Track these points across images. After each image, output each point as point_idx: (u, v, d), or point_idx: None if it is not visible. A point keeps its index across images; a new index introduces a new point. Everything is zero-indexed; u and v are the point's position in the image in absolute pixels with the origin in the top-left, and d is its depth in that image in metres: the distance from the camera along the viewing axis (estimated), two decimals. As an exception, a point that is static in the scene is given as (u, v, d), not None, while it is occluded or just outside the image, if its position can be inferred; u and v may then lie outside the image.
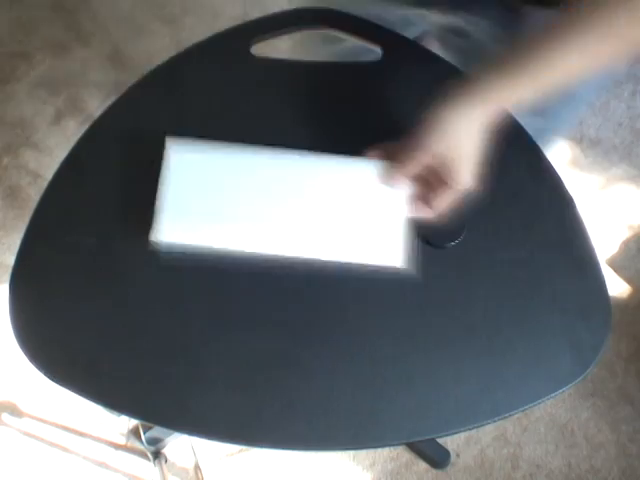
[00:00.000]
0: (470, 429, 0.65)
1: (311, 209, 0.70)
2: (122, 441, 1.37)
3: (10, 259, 0.69)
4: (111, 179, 0.73)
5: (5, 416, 1.38)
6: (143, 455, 1.35)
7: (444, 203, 0.66)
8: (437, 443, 1.39)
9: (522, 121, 0.77)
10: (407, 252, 0.69)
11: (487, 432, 1.41)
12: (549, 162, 0.76)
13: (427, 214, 0.67)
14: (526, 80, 0.61)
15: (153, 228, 0.67)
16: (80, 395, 0.64)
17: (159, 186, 0.68)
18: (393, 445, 1.30)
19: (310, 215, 0.70)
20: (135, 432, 1.34)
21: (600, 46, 0.59)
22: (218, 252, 0.67)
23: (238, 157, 0.71)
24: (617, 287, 1.54)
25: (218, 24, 0.84)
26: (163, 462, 1.33)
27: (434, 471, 1.38)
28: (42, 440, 1.36)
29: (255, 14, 0.83)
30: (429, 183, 0.66)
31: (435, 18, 0.83)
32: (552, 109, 0.82)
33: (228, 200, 0.69)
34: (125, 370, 0.65)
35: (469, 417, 0.65)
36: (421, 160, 0.65)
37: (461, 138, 0.63)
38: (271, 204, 0.70)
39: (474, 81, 0.63)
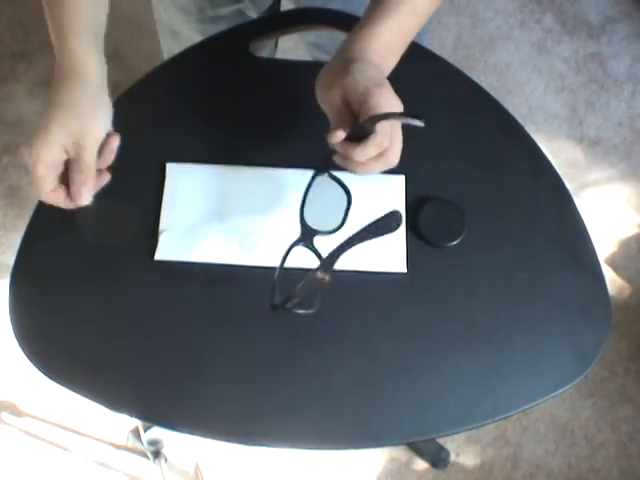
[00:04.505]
0: (470, 429, 0.65)
1: (311, 221, 0.71)
2: (122, 441, 1.37)
3: (10, 259, 0.69)
4: (111, 179, 0.73)
5: (5, 416, 1.38)
6: (143, 455, 1.35)
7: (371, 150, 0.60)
8: (437, 443, 1.39)
9: None
10: (409, 257, 0.70)
11: (487, 432, 1.41)
12: (548, 161, 0.76)
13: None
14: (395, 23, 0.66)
15: (157, 249, 0.69)
16: (80, 394, 0.64)
17: (161, 208, 0.70)
18: (393, 445, 1.30)
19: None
20: (135, 432, 1.34)
21: None
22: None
23: (236, 175, 0.72)
24: (617, 287, 1.54)
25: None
26: (163, 462, 1.33)
27: (434, 471, 1.38)
28: (42, 440, 1.36)
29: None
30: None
31: None
32: None
33: (230, 217, 0.70)
34: (125, 369, 0.65)
35: (469, 417, 0.65)
36: (334, 98, 0.63)
37: (358, 70, 0.62)
38: (269, 218, 0.71)
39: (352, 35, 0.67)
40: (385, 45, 0.66)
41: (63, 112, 0.62)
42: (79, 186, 0.62)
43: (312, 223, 0.66)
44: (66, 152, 0.62)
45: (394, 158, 0.62)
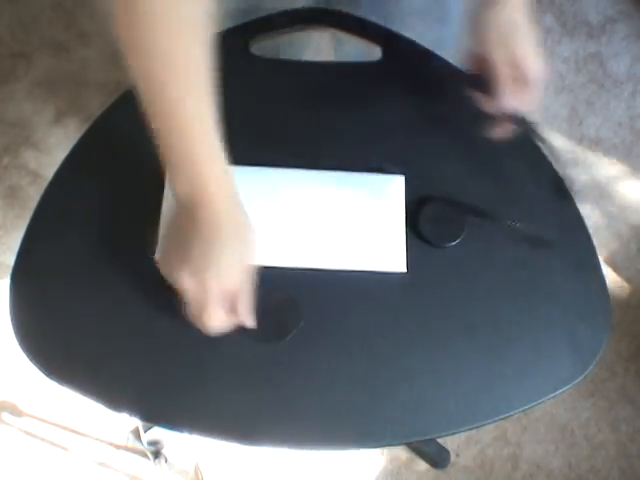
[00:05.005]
0: (470, 429, 0.65)
1: (311, 221, 0.71)
2: (122, 441, 1.37)
3: (10, 259, 0.69)
4: (111, 179, 0.73)
5: (5, 416, 1.38)
6: (143, 455, 1.35)
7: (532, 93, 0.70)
8: (437, 443, 1.39)
9: (422, 33, 0.81)
10: (409, 257, 0.70)
11: (487, 432, 1.41)
12: (549, 162, 0.76)
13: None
14: None
15: (157, 248, 0.69)
16: (80, 394, 0.64)
17: (161, 208, 0.70)
18: (393, 445, 1.30)
19: (310, 226, 0.71)
20: (135, 432, 1.34)
21: None
22: None
23: (236, 175, 0.72)
24: (617, 287, 1.54)
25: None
26: (163, 462, 1.33)
27: (434, 471, 1.38)
28: (42, 440, 1.36)
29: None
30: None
31: None
32: (448, 14, 0.86)
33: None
34: (125, 369, 0.65)
35: (469, 417, 0.65)
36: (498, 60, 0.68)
37: (508, 21, 0.68)
38: (270, 218, 0.71)
39: None
40: None
41: (232, 250, 0.59)
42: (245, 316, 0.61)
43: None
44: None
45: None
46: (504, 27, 0.68)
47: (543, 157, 0.76)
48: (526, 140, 0.77)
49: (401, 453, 1.39)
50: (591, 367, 0.66)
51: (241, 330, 0.62)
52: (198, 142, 0.56)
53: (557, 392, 0.66)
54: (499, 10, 0.68)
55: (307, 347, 0.66)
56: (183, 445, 1.36)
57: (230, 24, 0.83)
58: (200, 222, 0.58)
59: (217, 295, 0.58)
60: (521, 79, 0.69)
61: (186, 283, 0.58)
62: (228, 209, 0.59)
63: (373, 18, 0.81)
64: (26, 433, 1.37)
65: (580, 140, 1.68)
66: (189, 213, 0.58)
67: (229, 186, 0.60)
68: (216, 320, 0.60)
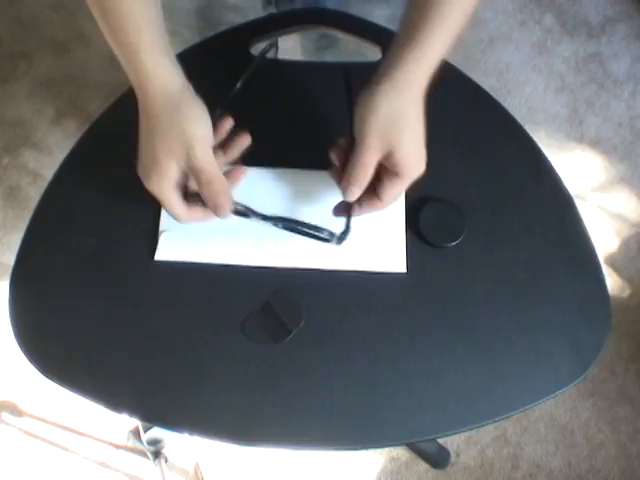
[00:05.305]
0: (470, 429, 0.65)
1: (311, 220, 0.71)
2: (122, 441, 1.37)
3: (10, 259, 0.69)
4: (111, 179, 0.73)
5: (5, 416, 1.38)
6: (143, 455, 1.35)
7: (394, 193, 0.63)
8: (437, 443, 1.39)
9: (370, 13, 0.79)
10: (409, 257, 0.70)
11: (487, 432, 1.41)
12: (549, 162, 0.76)
13: (376, 208, 0.65)
14: (443, 33, 0.63)
15: (157, 249, 0.69)
16: (80, 394, 0.64)
17: (161, 208, 0.70)
18: (393, 445, 1.30)
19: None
20: (135, 432, 1.34)
21: None
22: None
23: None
24: (617, 287, 1.54)
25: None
26: (163, 462, 1.33)
27: (434, 471, 1.38)
28: (42, 440, 1.37)
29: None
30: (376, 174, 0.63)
31: None
32: None
33: (230, 217, 0.70)
34: (125, 369, 0.65)
35: (469, 417, 0.65)
36: (371, 160, 0.61)
37: (398, 113, 0.61)
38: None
39: (390, 55, 0.63)
40: (431, 66, 0.63)
41: (163, 137, 0.60)
42: (214, 199, 0.61)
43: None
44: (183, 171, 0.61)
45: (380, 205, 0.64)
46: (388, 115, 0.60)
47: (543, 157, 0.76)
48: (526, 141, 0.77)
49: (401, 453, 1.39)
50: (591, 367, 0.66)
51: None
52: (141, 30, 0.60)
53: (557, 392, 0.66)
54: (388, 91, 0.61)
55: (307, 347, 0.66)
56: (183, 445, 1.36)
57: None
58: (142, 112, 0.61)
59: (161, 193, 0.60)
60: (392, 171, 0.62)
61: (145, 184, 0.61)
62: (164, 95, 0.60)
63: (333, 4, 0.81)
64: (26, 433, 1.37)
65: (580, 140, 1.68)
66: (140, 106, 0.61)
67: (170, 76, 0.61)
68: (178, 209, 0.61)
